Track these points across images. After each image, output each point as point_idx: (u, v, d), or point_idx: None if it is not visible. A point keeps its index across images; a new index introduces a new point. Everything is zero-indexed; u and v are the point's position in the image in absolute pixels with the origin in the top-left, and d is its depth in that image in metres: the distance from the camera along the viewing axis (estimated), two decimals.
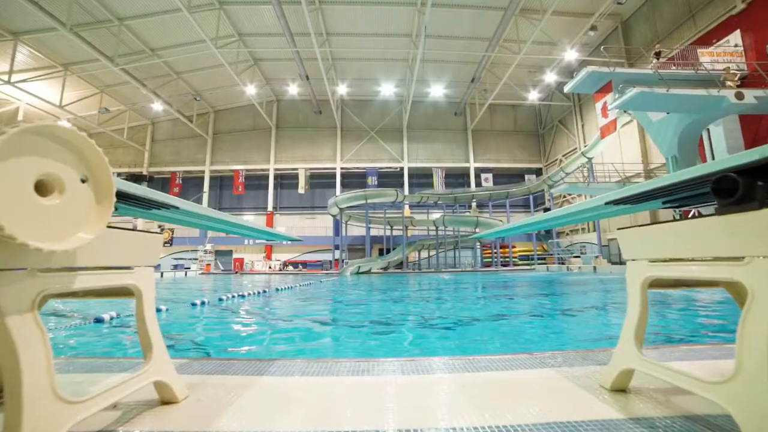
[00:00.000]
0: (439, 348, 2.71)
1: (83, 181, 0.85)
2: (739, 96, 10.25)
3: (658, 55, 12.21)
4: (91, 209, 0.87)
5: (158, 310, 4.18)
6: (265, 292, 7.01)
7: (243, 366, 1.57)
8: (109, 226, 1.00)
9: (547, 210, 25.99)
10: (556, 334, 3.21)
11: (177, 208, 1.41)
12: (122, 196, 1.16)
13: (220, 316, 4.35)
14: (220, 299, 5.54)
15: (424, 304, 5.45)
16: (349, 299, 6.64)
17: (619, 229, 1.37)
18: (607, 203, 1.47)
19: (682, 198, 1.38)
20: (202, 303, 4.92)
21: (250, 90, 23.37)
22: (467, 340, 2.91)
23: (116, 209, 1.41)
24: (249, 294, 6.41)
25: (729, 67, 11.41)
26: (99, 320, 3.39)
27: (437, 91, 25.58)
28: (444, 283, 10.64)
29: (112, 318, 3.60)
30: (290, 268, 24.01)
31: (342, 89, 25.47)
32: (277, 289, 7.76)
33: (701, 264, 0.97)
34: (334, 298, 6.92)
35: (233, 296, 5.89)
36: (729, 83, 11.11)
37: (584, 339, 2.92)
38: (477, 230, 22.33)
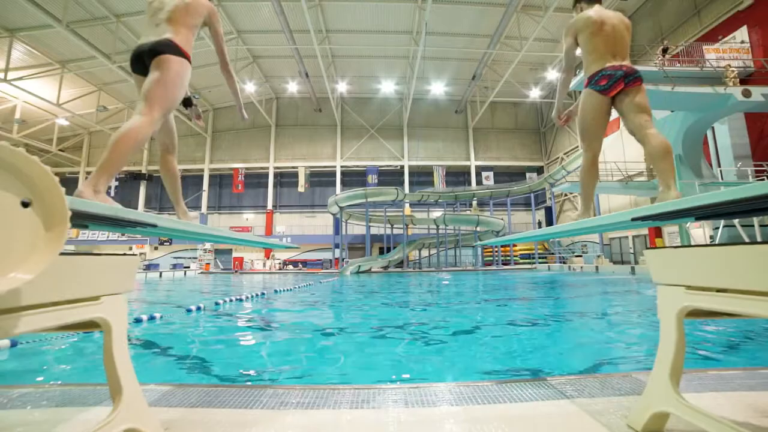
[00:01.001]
0: (442, 362, 2.57)
1: (25, 205, 0.71)
2: (746, 93, 10.08)
3: (665, 51, 12.00)
4: (38, 238, 0.73)
5: (152, 318, 4.05)
6: (263, 294, 6.89)
7: (232, 396, 1.43)
8: (65, 254, 0.86)
9: (548, 209, 25.84)
10: (567, 348, 3.07)
11: (155, 226, 1.27)
12: (88, 217, 1.03)
13: (215, 325, 4.21)
14: (217, 304, 5.41)
15: (427, 310, 5.32)
16: (349, 302, 6.52)
17: (648, 248, 1.23)
18: (633, 219, 1.34)
19: (718, 215, 1.25)
20: (198, 309, 4.79)
21: (249, 88, 23.18)
22: (472, 353, 2.77)
23: (86, 227, 1.28)
24: (247, 297, 6.28)
25: (728, 65, 11.24)
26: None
27: (438, 88, 25.37)
28: (444, 284, 10.52)
29: None
30: (290, 267, 23.91)
31: (342, 87, 25.26)
32: (276, 291, 7.63)
33: (760, 299, 0.83)
34: (333, 301, 6.80)
35: (230, 300, 5.76)
36: (730, 82, 10.93)
37: (597, 353, 2.79)
38: (478, 228, 22.18)
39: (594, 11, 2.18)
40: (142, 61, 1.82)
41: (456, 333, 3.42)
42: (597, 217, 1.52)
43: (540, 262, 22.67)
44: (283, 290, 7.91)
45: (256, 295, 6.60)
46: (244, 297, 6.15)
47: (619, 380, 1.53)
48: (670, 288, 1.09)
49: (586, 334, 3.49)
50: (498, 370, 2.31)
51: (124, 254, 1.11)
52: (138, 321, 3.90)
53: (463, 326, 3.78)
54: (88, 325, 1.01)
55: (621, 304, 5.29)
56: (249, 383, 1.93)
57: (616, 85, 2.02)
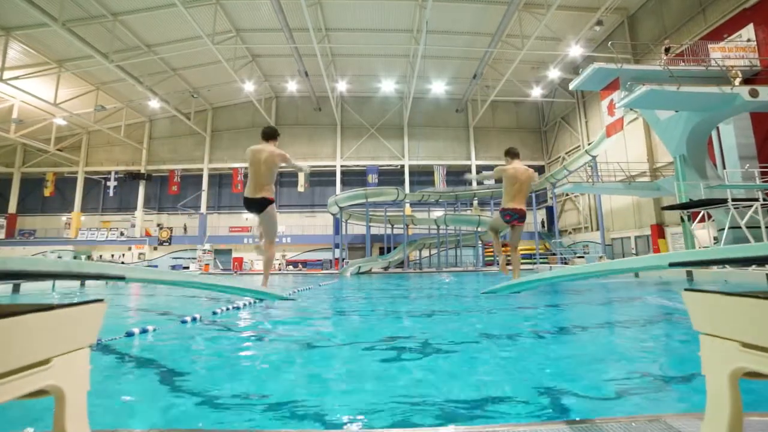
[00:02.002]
0: (446, 389, 2.42)
1: None
2: (753, 93, 9.91)
3: (667, 50, 11.81)
4: None
5: (144, 332, 3.90)
6: (261, 300, 6.74)
7: None
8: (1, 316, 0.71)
9: (549, 208, 25.65)
10: (578, 371, 2.91)
11: (122, 278, 1.13)
12: (41, 275, 0.87)
13: (209, 340, 4.05)
14: (214, 312, 5.25)
15: (428, 321, 5.17)
16: (349, 311, 6.37)
17: (687, 290, 1.08)
18: (671, 264, 1.21)
19: (755, 262, 1.13)
20: (194, 319, 4.64)
21: (249, 87, 22.99)
22: (478, 377, 2.62)
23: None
24: (245, 305, 6.12)
25: (731, 67, 11.05)
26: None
27: (438, 87, 25.17)
28: (446, 288, 10.40)
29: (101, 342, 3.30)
30: (290, 267, 23.78)
31: (342, 86, 25.06)
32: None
33: None
34: (333, 310, 6.66)
35: (227, 309, 5.61)
36: (735, 82, 10.74)
37: (615, 379, 2.63)
38: (479, 229, 22.03)
39: (513, 166, 4.04)
40: (249, 203, 3.74)
41: (458, 352, 3.26)
42: (632, 258, 1.37)
43: (541, 263, 22.52)
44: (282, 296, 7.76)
45: (254, 302, 6.45)
46: (241, 305, 6.00)
47: (647, 426, 1.38)
48: (720, 342, 0.93)
49: (599, 354, 3.33)
50: (508, 402, 2.16)
51: (81, 303, 0.96)
52: (130, 335, 3.75)
53: (466, 344, 3.63)
54: (37, 393, 0.85)
55: (630, 315, 5.12)
56: (240, 429, 1.78)
57: (512, 221, 4.16)
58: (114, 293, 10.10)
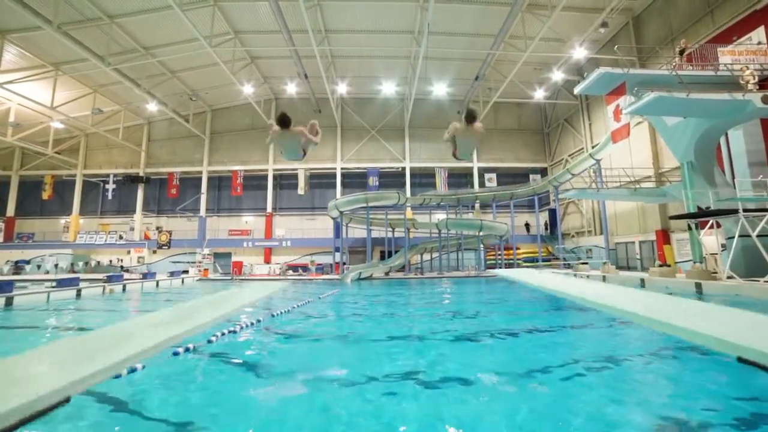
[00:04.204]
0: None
1: None
2: (766, 100, 9.63)
3: (682, 52, 11.50)
4: None
5: (133, 370, 3.67)
6: (259, 321, 6.52)
7: None
8: None
9: (552, 211, 25.39)
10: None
11: (68, 400, 0.94)
12: None
13: (203, 380, 3.83)
14: (209, 341, 5.03)
15: (430, 346, 4.96)
16: (351, 330, 6.17)
17: None
18: (740, 360, 1.05)
19: None
20: (186, 350, 4.42)
21: (248, 89, 22.71)
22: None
23: None
24: (242, 327, 5.90)
25: (745, 67, 10.75)
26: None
27: (440, 89, 24.86)
28: (450, 303, 10.17)
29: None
30: (290, 272, 23.56)
31: (342, 88, 24.77)
32: (273, 315, 7.27)
33: None
34: (336, 332, 6.46)
35: (223, 334, 5.38)
36: (749, 85, 10.44)
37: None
38: (481, 233, 21.79)
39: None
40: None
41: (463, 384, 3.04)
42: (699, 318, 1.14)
43: (544, 265, 22.27)
44: (281, 312, 7.55)
45: (252, 323, 6.23)
46: (238, 328, 5.77)
47: None
48: None
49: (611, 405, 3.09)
50: None
51: None
52: (117, 377, 3.52)
53: (469, 377, 3.40)
54: None
55: (650, 349, 4.85)
56: None
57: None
58: (112, 306, 9.89)
